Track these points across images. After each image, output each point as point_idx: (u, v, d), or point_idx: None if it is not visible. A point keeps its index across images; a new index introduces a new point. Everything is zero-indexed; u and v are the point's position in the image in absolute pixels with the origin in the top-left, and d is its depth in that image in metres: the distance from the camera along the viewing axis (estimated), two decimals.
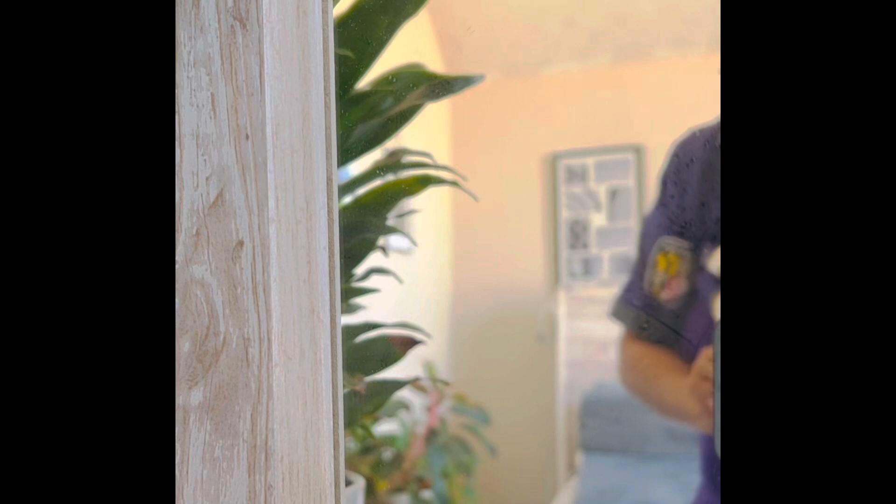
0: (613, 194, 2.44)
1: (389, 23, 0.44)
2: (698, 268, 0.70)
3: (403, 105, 0.46)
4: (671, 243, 0.74)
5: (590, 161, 2.46)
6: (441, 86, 0.46)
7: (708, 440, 0.70)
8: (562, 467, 2.25)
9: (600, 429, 2.12)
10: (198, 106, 0.30)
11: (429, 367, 2.06)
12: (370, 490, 1.42)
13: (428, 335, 0.50)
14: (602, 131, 2.42)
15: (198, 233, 0.31)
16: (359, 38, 0.44)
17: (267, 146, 0.30)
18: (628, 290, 0.79)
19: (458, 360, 2.56)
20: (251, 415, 0.30)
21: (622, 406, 2.10)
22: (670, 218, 0.73)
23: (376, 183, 0.48)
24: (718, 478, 0.68)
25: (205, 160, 0.30)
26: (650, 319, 0.77)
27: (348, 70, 0.44)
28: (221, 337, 0.30)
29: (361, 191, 0.49)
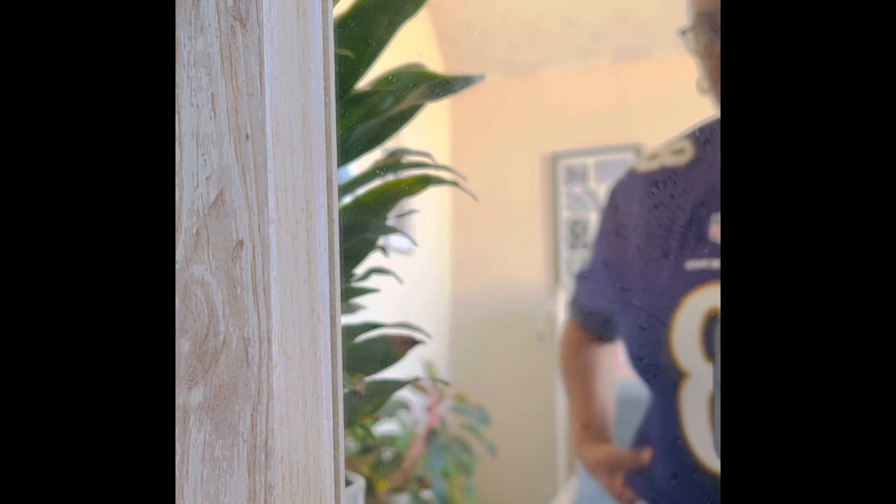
0: None
1: (389, 23, 0.44)
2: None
3: (403, 105, 0.46)
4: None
5: (590, 161, 2.46)
6: (441, 86, 0.46)
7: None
8: (562, 467, 2.25)
9: None
10: (198, 106, 0.30)
11: (429, 367, 2.06)
12: (370, 490, 1.42)
13: (428, 335, 0.50)
14: (602, 131, 2.42)
15: (198, 233, 0.31)
16: (359, 38, 0.44)
17: (267, 146, 0.30)
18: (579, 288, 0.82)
19: (458, 360, 2.55)
20: (251, 415, 0.30)
21: (622, 406, 2.09)
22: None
23: (376, 183, 0.48)
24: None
25: (205, 160, 0.30)
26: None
27: (348, 70, 0.44)
28: (221, 337, 0.30)
29: (361, 191, 0.49)
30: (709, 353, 0.62)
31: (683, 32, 0.67)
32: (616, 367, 0.83)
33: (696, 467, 0.64)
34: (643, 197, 0.70)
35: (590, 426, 0.80)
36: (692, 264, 0.63)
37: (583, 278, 0.81)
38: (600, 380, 0.82)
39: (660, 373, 0.66)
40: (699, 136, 0.70)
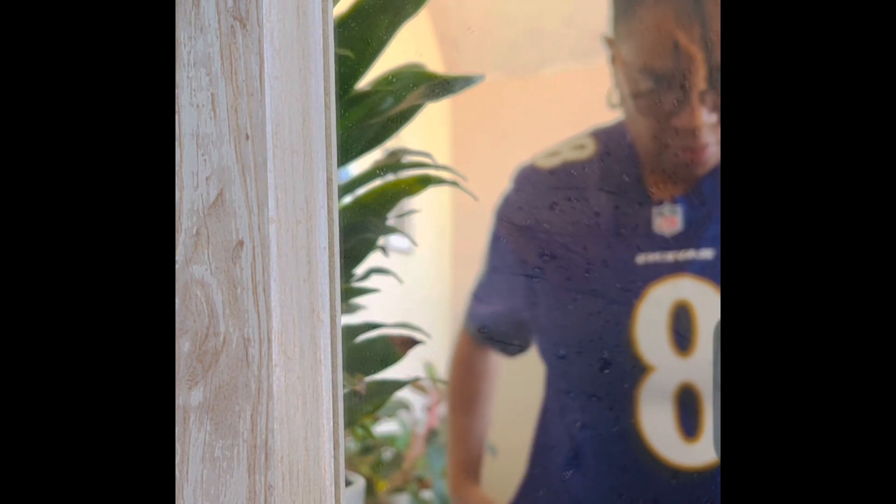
0: None
1: (389, 23, 0.44)
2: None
3: (403, 105, 0.46)
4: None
5: None
6: (441, 86, 0.46)
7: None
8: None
9: None
10: (198, 106, 0.30)
11: (429, 367, 2.06)
12: (370, 490, 1.42)
13: (428, 335, 0.50)
14: None
15: (198, 233, 0.31)
16: (359, 38, 0.44)
17: (267, 146, 0.30)
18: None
19: None
20: (251, 415, 0.30)
21: None
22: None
23: (376, 183, 0.48)
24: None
25: (205, 160, 0.30)
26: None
27: (348, 70, 0.44)
28: (221, 337, 0.30)
29: (361, 191, 0.49)
30: (678, 345, 0.62)
31: (613, 59, 0.66)
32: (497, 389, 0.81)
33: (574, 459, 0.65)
34: (550, 191, 0.70)
35: (467, 465, 0.79)
36: (643, 258, 0.64)
37: (480, 294, 0.79)
38: (486, 409, 0.81)
39: (611, 365, 0.66)
40: (599, 133, 0.70)
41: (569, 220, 0.67)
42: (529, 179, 0.73)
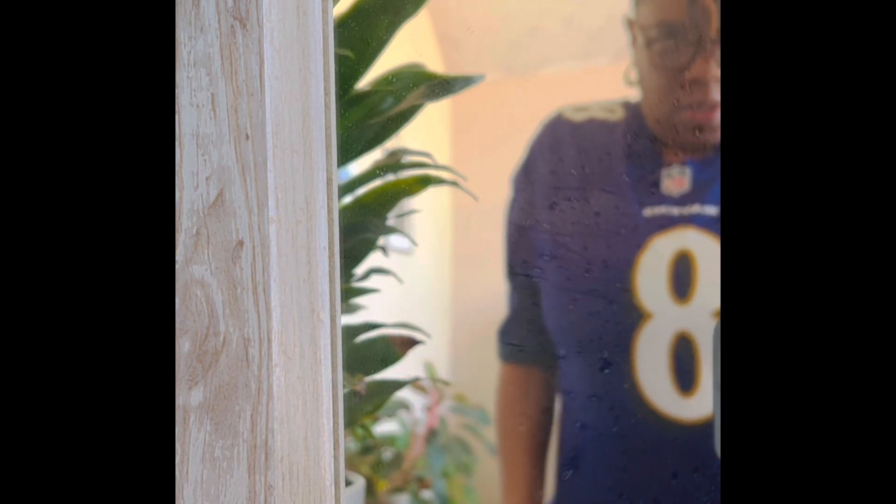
0: None
1: (389, 23, 0.44)
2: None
3: (403, 105, 0.46)
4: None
5: None
6: (441, 86, 0.46)
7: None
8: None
9: None
10: (198, 106, 0.30)
11: (429, 367, 2.06)
12: (370, 490, 1.42)
13: (428, 335, 0.50)
14: None
15: (198, 233, 0.31)
16: (359, 38, 0.44)
17: (267, 146, 0.30)
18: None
19: (458, 360, 2.55)
20: (251, 415, 0.30)
21: None
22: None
23: (376, 183, 0.48)
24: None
25: (205, 160, 0.30)
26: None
27: (348, 70, 0.44)
28: (221, 337, 0.30)
29: (361, 191, 0.49)
30: (677, 292, 0.63)
31: (632, 37, 0.67)
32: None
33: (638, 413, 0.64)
34: (574, 144, 0.71)
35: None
36: (650, 211, 0.65)
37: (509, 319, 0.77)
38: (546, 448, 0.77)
39: (615, 317, 0.66)
40: (629, 105, 0.71)
41: (569, 220, 0.67)
42: (556, 130, 0.73)
